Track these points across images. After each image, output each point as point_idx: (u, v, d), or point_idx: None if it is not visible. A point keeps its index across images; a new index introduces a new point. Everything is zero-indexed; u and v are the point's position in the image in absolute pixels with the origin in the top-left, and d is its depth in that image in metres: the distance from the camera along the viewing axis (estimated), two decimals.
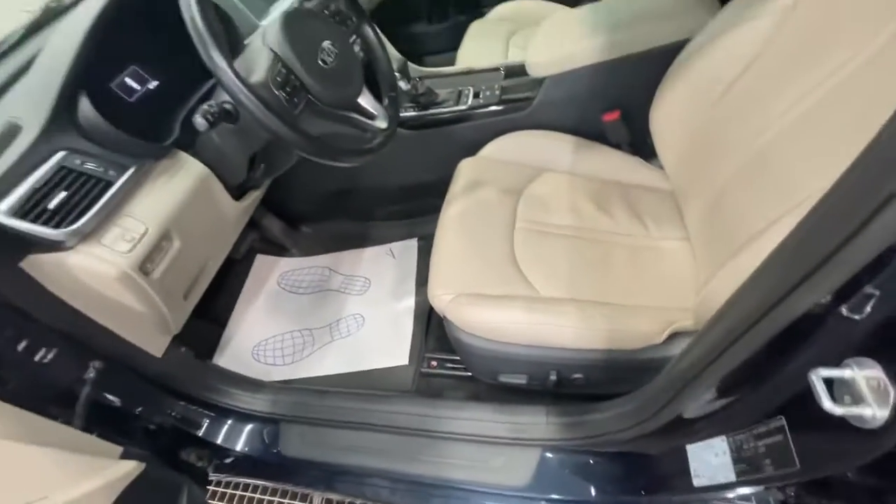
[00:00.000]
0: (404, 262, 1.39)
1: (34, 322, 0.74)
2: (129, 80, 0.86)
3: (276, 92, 0.66)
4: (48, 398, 0.82)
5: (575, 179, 1.05)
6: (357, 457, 0.97)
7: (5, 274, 0.66)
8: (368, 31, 0.87)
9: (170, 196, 0.80)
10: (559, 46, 1.06)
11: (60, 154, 0.69)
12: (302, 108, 0.69)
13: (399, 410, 0.94)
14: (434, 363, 1.11)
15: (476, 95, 1.17)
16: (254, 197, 1.02)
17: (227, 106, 0.71)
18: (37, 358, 0.79)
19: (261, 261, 1.49)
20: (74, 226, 0.67)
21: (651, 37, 0.99)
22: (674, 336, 0.77)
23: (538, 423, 0.83)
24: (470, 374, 1.03)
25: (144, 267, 0.75)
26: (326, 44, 0.74)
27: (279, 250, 1.52)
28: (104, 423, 0.89)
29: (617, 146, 1.11)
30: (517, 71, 1.17)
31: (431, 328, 1.19)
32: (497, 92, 1.16)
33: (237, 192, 0.95)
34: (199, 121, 0.65)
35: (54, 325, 0.76)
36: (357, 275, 1.40)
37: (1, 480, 0.58)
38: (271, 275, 1.46)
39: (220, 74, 0.59)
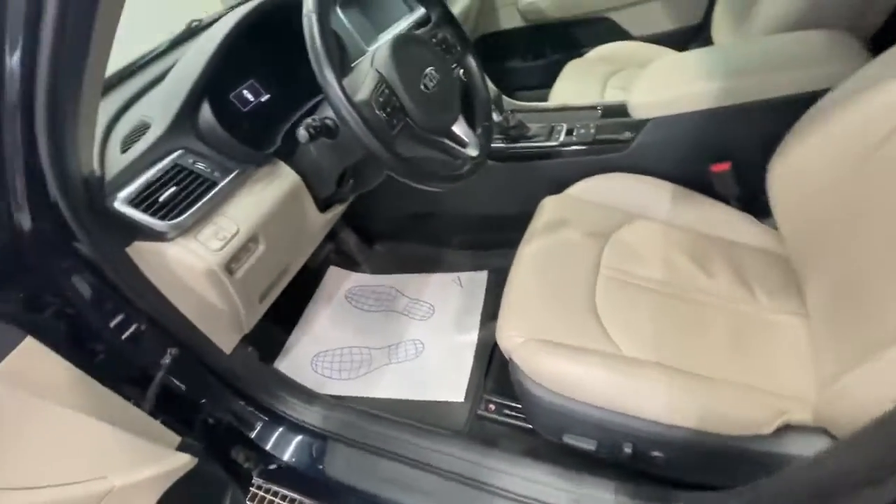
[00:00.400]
0: (471, 294, 1.35)
1: (129, 303, 0.79)
2: (246, 92, 0.93)
3: (377, 112, 0.66)
4: (126, 377, 0.87)
5: (671, 230, 0.96)
6: (397, 492, 0.92)
7: (114, 256, 0.71)
8: (471, 61, 0.87)
9: (263, 201, 0.83)
10: (667, 88, 1.00)
11: (178, 152, 0.74)
12: (399, 130, 0.70)
13: (448, 452, 0.89)
14: (492, 406, 1.04)
15: (569, 132, 1.13)
16: (337, 210, 1.05)
17: (329, 122, 0.74)
18: (125, 336, 0.85)
19: (333, 272, 1.53)
20: (178, 219, 0.71)
21: (776, 85, 0.90)
22: (785, 429, 0.65)
23: (604, 499, 0.73)
24: (531, 426, 0.95)
25: (230, 266, 0.78)
26: (430, 70, 0.75)
27: (351, 264, 1.55)
28: (169, 410, 0.92)
29: (724, 200, 1.00)
30: (616, 111, 1.12)
31: (492, 368, 1.12)
32: (592, 130, 1.11)
33: (323, 205, 0.97)
34: (302, 133, 0.68)
35: (144, 309, 0.80)
36: (422, 300, 1.38)
37: (69, 451, 0.60)
38: (340, 287, 1.48)
39: (328, 90, 0.61)
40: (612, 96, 1.42)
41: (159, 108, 0.75)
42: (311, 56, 0.61)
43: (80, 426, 0.62)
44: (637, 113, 1.03)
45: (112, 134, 0.78)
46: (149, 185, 0.70)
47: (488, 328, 1.23)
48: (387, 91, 0.68)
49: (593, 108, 1.18)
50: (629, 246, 0.94)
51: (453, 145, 0.79)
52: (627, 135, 1.06)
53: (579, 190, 1.07)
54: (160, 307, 0.81)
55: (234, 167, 0.79)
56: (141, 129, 0.75)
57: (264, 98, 0.95)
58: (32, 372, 0.61)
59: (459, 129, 0.81)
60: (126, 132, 0.77)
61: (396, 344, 1.28)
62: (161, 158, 0.72)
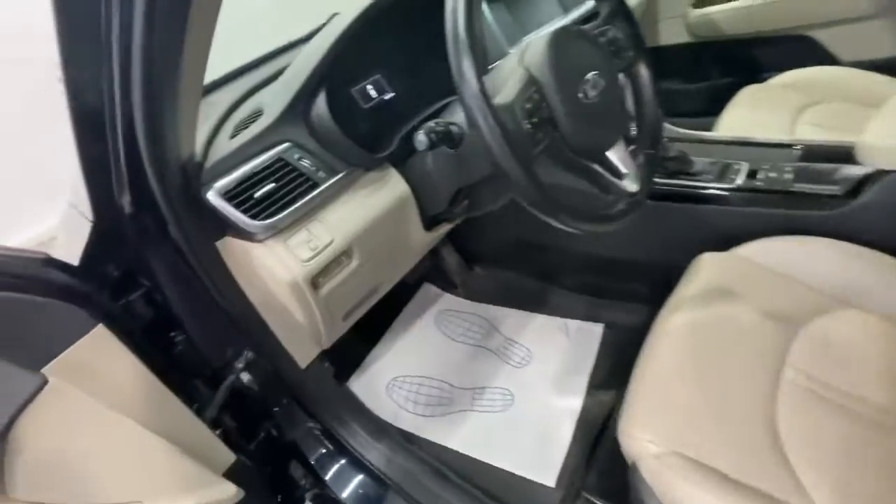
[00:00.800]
0: (580, 348, 1.13)
1: (211, 298, 0.74)
2: (369, 87, 0.84)
3: (521, 120, 0.51)
4: (199, 374, 0.82)
5: None
6: None
7: (202, 248, 0.65)
8: (644, 70, 0.68)
9: (364, 211, 0.72)
10: None
11: (284, 146, 0.66)
12: (543, 148, 0.53)
13: None
14: None
15: (752, 174, 0.87)
16: (443, 230, 0.91)
17: (454, 128, 0.60)
18: (206, 330, 0.80)
19: (426, 290, 1.41)
20: (270, 220, 0.63)
21: None
22: None
23: None
24: None
25: (316, 280, 0.69)
26: (593, 76, 0.57)
27: (447, 284, 1.42)
28: (235, 416, 0.86)
29: None
30: (828, 154, 0.83)
31: (598, 456, 0.90)
32: (788, 176, 0.83)
33: (429, 222, 0.85)
34: (421, 138, 0.55)
35: (225, 306, 0.74)
36: (520, 342, 1.20)
37: (110, 467, 0.53)
38: (431, 308, 1.36)
39: (463, 84, 0.47)
40: (803, 134, 1.10)
41: (274, 96, 0.68)
42: (448, 42, 0.48)
43: (130, 438, 0.55)
44: (872, 159, 0.74)
45: (230, 118, 0.74)
46: (247, 178, 0.62)
47: (596, 399, 1.00)
48: (536, 96, 0.52)
49: (787, 146, 0.90)
50: (834, 344, 0.66)
51: (606, 175, 0.61)
52: (843, 188, 0.78)
53: (757, 251, 0.80)
54: (241, 308, 0.74)
55: (341, 168, 0.70)
56: (254, 116, 0.69)
57: (388, 96, 0.85)
58: (95, 365, 0.56)
59: (616, 155, 0.62)
60: (241, 118, 0.71)
61: (482, 388, 1.11)
62: (266, 150, 0.65)
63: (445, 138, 0.57)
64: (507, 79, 0.54)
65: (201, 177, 0.60)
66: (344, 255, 0.71)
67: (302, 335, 0.81)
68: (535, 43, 0.56)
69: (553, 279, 1.29)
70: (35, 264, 0.54)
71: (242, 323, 0.78)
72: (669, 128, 1.04)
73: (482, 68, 0.47)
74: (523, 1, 1.06)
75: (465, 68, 0.46)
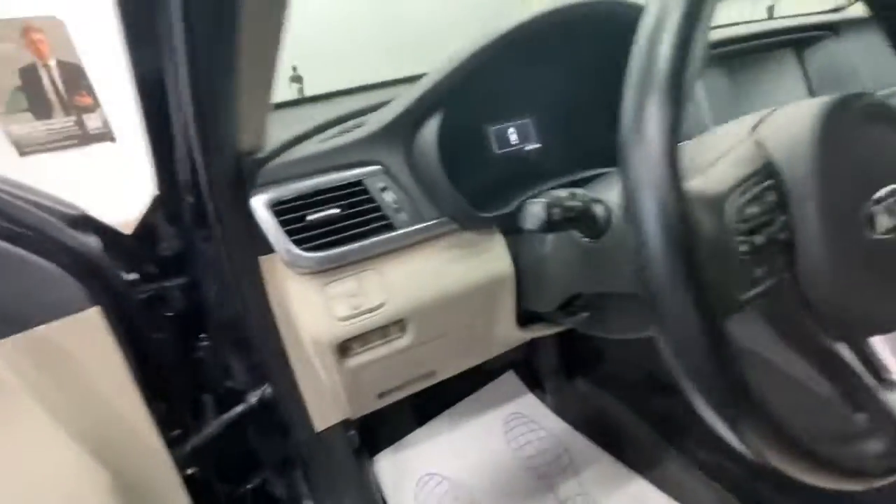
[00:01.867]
0: None
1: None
2: (512, 132, 0.67)
3: (733, 230, 0.26)
4: (211, 388, 0.71)
5: None
6: None
7: (242, 259, 0.53)
8: None
9: (440, 279, 0.53)
10: None
11: (372, 168, 0.51)
12: (757, 293, 0.27)
13: None
14: None
15: None
16: (542, 333, 0.67)
17: (598, 208, 0.38)
18: (233, 341, 0.69)
19: (507, 380, 1.16)
20: (316, 253, 0.48)
21: None
22: None
23: None
24: None
25: (348, 345, 0.52)
26: (891, 192, 0.30)
27: (533, 380, 1.15)
28: (225, 456, 0.73)
29: None
30: None
31: None
32: None
33: (526, 318, 0.62)
34: (534, 210, 0.34)
35: (248, 331, 0.61)
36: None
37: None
38: (506, 405, 1.10)
39: (633, 141, 0.24)
40: None
41: (384, 111, 0.55)
42: (630, 75, 0.27)
43: (50, 457, 0.43)
44: None
45: (336, 128, 0.62)
46: (310, 194, 0.49)
47: None
48: (770, 197, 0.28)
49: None
50: None
51: (865, 375, 0.31)
52: None
53: None
54: (266, 337, 0.61)
55: (430, 216, 0.52)
56: (352, 127, 0.56)
57: (530, 147, 0.67)
58: (70, 352, 0.46)
59: (890, 345, 0.33)
60: (345, 127, 0.59)
61: None
62: (348, 167, 0.51)
63: (574, 221, 0.35)
64: (722, 155, 0.30)
65: (256, 176, 0.48)
66: (395, 325, 0.53)
67: (323, 395, 0.64)
68: (790, 112, 0.32)
69: (678, 441, 0.93)
70: (60, 222, 0.46)
71: (265, 354, 0.64)
72: None
73: (679, 123, 0.24)
74: (755, 70, 0.79)
75: (647, 112, 0.24)
